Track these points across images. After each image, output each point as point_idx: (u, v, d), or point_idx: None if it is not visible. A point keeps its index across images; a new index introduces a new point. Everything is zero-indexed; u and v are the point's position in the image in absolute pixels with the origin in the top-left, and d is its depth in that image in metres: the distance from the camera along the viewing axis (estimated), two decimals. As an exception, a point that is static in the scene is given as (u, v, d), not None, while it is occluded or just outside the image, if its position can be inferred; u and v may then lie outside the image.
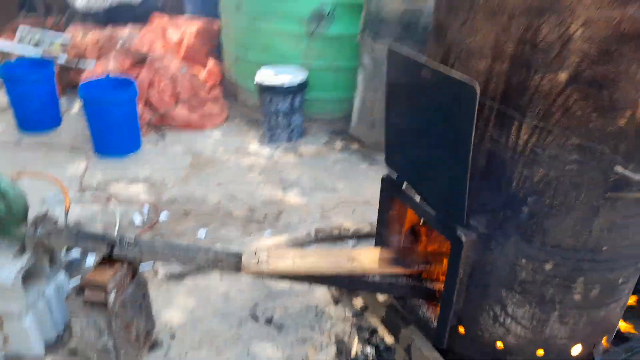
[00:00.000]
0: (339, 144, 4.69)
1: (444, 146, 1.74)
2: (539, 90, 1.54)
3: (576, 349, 1.98)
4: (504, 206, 1.73)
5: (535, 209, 1.68)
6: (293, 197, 3.85)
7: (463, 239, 1.77)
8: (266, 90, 4.40)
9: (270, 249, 2.26)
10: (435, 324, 2.10)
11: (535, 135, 1.59)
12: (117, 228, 3.48)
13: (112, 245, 2.34)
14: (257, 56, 4.96)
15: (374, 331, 2.61)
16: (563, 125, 1.54)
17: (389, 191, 2.19)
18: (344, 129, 4.90)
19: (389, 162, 2.15)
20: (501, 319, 1.92)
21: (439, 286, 2.16)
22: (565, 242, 1.71)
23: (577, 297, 1.82)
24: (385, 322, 2.43)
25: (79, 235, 2.38)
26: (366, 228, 3.35)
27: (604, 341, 2.05)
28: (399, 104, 1.97)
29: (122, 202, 3.73)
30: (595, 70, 1.45)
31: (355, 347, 2.52)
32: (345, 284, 2.23)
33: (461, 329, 2.04)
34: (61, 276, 2.67)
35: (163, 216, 3.61)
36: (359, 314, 2.74)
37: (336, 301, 2.83)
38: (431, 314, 2.16)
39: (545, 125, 1.56)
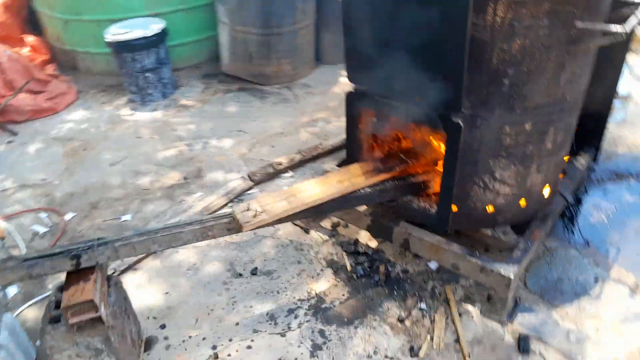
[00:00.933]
0: (218, 86, 4.46)
1: (434, 42, 1.79)
2: (511, -33, 1.66)
3: (546, 191, 2.32)
4: (488, 83, 1.89)
5: (514, 79, 1.87)
6: (204, 151, 3.64)
7: (461, 123, 1.90)
8: (125, 49, 3.93)
9: (257, 199, 2.17)
10: (433, 211, 2.26)
11: (511, 10, 1.73)
12: (22, 246, 3.00)
13: (77, 257, 2.05)
14: (94, 15, 4.37)
15: (356, 242, 2.72)
16: (534, -5, 1.70)
17: (357, 106, 2.22)
18: (216, 70, 4.65)
19: (354, 78, 2.15)
20: (491, 185, 2.15)
21: (423, 178, 2.31)
22: (540, 101, 1.94)
23: (549, 145, 2.11)
24: (371, 229, 2.54)
25: (30, 262, 2.03)
26: (297, 157, 3.35)
27: (560, 176, 2.43)
28: (364, 18, 1.95)
29: (9, 218, 3.19)
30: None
31: (347, 261, 2.62)
32: (341, 206, 2.26)
33: (454, 208, 2.24)
34: (8, 317, 2.27)
35: (69, 216, 3.18)
36: (334, 233, 2.81)
37: (306, 230, 2.85)
38: (424, 204, 2.32)
39: (519, -1, 1.71)
